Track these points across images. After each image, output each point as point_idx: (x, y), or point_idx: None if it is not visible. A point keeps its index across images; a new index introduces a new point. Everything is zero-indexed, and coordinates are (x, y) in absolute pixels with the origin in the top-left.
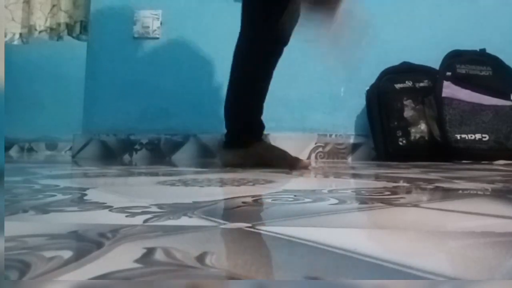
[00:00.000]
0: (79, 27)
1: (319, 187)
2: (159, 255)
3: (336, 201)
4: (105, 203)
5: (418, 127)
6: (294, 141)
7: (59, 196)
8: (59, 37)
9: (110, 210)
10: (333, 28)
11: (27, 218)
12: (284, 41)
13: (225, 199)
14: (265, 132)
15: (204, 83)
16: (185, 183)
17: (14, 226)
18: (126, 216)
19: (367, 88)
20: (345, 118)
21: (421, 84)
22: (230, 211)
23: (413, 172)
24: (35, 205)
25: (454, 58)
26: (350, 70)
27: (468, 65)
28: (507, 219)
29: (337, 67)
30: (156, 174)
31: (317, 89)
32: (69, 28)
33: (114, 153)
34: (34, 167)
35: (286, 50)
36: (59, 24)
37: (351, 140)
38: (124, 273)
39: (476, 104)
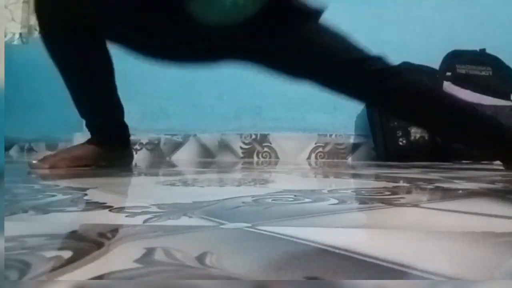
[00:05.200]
0: None
1: (319, 187)
2: (159, 255)
3: (336, 201)
4: (105, 203)
5: None
6: (294, 141)
7: (59, 196)
8: None
9: (110, 210)
10: None
11: (27, 218)
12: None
13: (225, 199)
14: (265, 132)
15: (203, 83)
16: (185, 183)
17: (14, 226)
18: (126, 216)
19: None
20: (345, 118)
21: None
22: (230, 211)
23: (413, 172)
24: (35, 205)
25: (454, 58)
26: None
27: (468, 65)
28: (507, 219)
29: None
30: (156, 174)
31: (317, 89)
32: None
33: None
34: None
35: None
36: None
37: (351, 140)
38: (124, 273)
39: (476, 105)
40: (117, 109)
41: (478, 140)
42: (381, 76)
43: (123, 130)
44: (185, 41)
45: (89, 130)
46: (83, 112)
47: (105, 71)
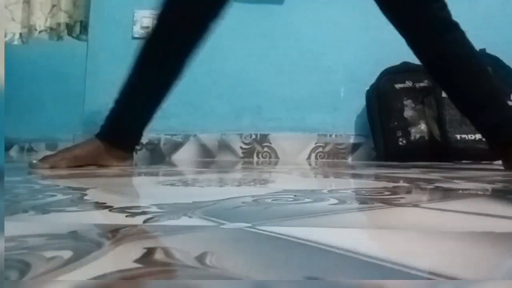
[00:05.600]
0: (79, 27)
1: (319, 187)
2: (159, 255)
3: (336, 201)
4: (105, 203)
5: (418, 127)
6: (294, 141)
7: (59, 196)
8: (59, 37)
9: (110, 210)
10: None
11: (27, 218)
12: None
13: (225, 199)
14: (265, 132)
15: (203, 83)
16: (185, 183)
17: (14, 226)
18: (126, 216)
19: (367, 88)
20: (345, 118)
21: (421, 84)
22: (230, 211)
23: (413, 172)
24: (35, 205)
25: None
26: (350, 70)
27: None
28: (507, 219)
29: (337, 67)
30: (156, 174)
31: (317, 89)
32: (69, 28)
33: None
34: None
35: (285, 50)
36: (59, 24)
37: (351, 140)
38: (124, 273)
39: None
40: (149, 117)
41: (489, 122)
42: (440, 25)
43: (136, 138)
44: None
45: (108, 119)
46: (123, 101)
47: (174, 77)
